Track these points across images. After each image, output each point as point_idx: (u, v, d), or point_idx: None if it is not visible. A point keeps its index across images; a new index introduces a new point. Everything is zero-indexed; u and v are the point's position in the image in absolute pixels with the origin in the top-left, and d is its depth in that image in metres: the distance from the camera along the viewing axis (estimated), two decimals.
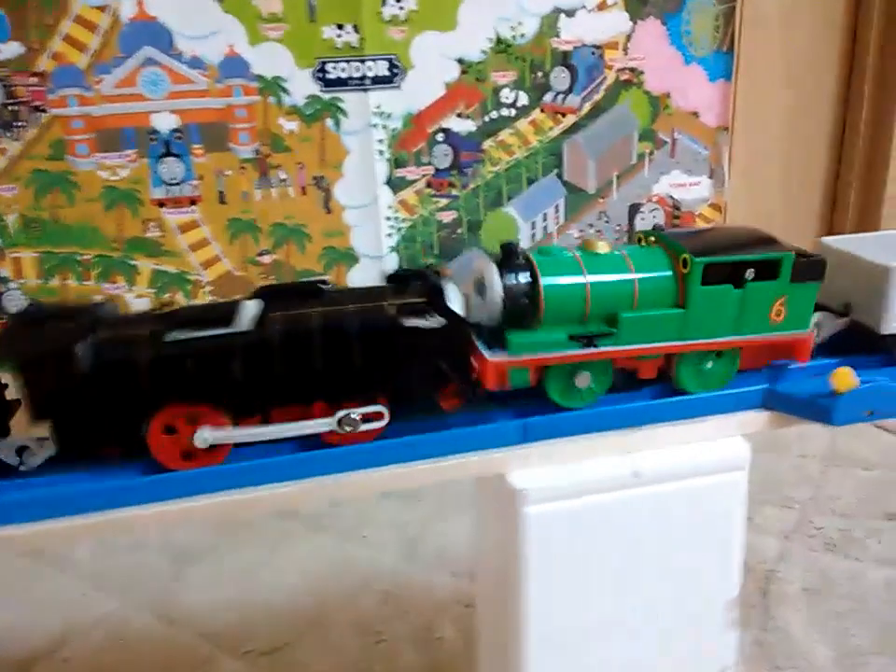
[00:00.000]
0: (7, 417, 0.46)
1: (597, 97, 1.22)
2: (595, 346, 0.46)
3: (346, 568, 0.87)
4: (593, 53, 1.20)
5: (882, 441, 1.10)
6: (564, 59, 1.18)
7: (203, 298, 1.17)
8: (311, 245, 1.18)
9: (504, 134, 1.20)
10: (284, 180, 1.13)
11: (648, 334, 0.47)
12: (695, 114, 1.28)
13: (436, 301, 0.45)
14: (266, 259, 1.17)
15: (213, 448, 0.44)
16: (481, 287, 0.46)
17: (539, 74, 1.18)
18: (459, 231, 1.23)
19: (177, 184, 1.10)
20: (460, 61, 1.14)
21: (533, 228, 1.27)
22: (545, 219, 1.27)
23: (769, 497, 0.96)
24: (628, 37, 1.20)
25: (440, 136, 1.17)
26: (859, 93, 1.36)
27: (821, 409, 0.46)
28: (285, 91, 1.09)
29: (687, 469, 0.46)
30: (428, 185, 1.19)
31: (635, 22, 1.19)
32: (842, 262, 0.53)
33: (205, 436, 0.43)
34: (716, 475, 0.46)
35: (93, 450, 0.45)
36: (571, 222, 1.28)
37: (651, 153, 1.28)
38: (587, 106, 1.22)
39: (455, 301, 0.46)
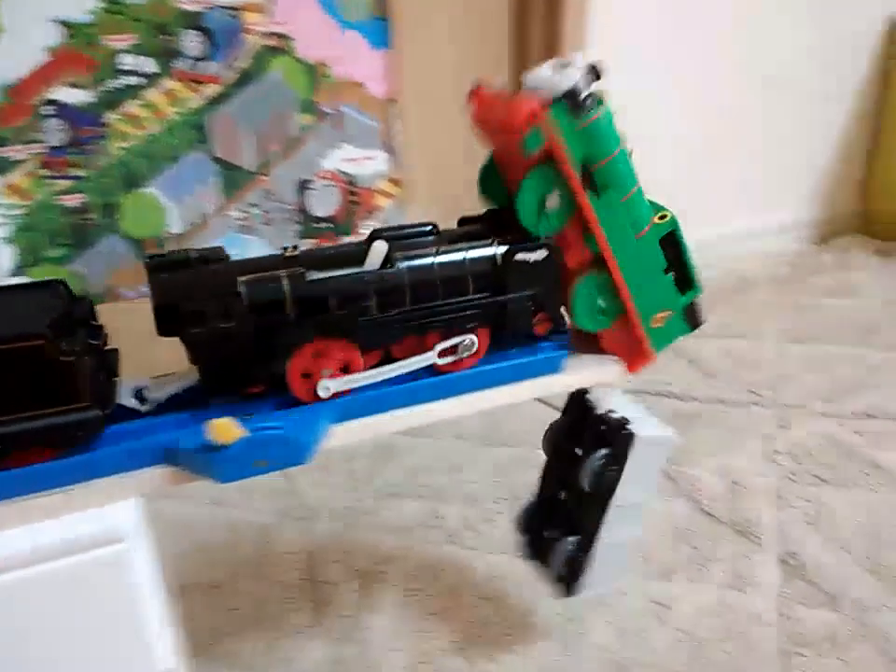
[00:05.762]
0: (114, 364, 0.46)
1: (242, 65, 1.12)
2: (589, 187, 0.52)
3: None
4: (229, 16, 1.09)
5: (536, 413, 1.11)
6: (194, 21, 1.06)
7: None
8: None
9: (131, 106, 1.06)
10: None
11: (612, 221, 0.53)
12: (360, 84, 1.22)
13: (530, 235, 0.53)
14: None
15: None
16: (563, 65, 0.50)
17: (167, 37, 1.05)
18: (92, 215, 1.09)
19: None
20: (63, 23, 0.99)
21: (186, 209, 1.15)
22: (199, 200, 1.16)
23: (403, 489, 0.94)
24: None
25: (48, 109, 1.02)
26: (530, 57, 1.36)
27: (204, 464, 0.40)
28: None
29: (38, 552, 0.39)
30: (44, 165, 1.04)
31: None
32: None
33: (328, 385, 0.47)
34: (84, 553, 0.39)
35: (241, 388, 0.47)
36: (231, 202, 1.18)
37: (315, 126, 1.20)
38: (231, 75, 1.11)
39: None
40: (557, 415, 0.63)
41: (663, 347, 0.58)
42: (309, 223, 1.25)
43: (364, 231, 1.33)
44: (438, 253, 0.50)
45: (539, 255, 0.52)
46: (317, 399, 0.47)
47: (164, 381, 0.48)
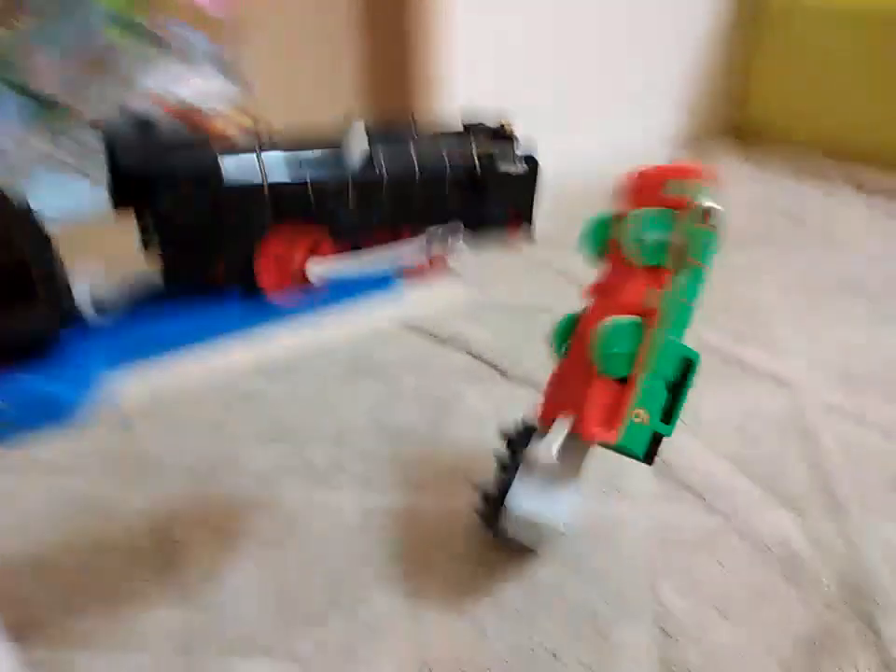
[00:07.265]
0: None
1: None
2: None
3: None
4: None
5: (406, 343, 1.06)
6: None
7: None
8: None
9: None
10: None
11: (677, 288, 0.54)
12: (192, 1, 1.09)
13: (515, 148, 0.53)
14: None
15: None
16: None
17: None
18: None
19: None
20: None
21: None
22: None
23: (262, 434, 0.87)
24: None
25: None
26: None
27: None
28: None
29: None
30: None
31: None
32: None
33: (317, 270, 0.47)
34: None
35: (203, 274, 0.45)
36: (38, 135, 1.04)
37: (137, 46, 1.07)
38: None
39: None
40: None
41: (623, 440, 0.57)
42: None
43: None
44: (419, 153, 0.50)
45: (521, 168, 0.53)
46: (284, 288, 0.46)
47: (118, 282, 0.45)
